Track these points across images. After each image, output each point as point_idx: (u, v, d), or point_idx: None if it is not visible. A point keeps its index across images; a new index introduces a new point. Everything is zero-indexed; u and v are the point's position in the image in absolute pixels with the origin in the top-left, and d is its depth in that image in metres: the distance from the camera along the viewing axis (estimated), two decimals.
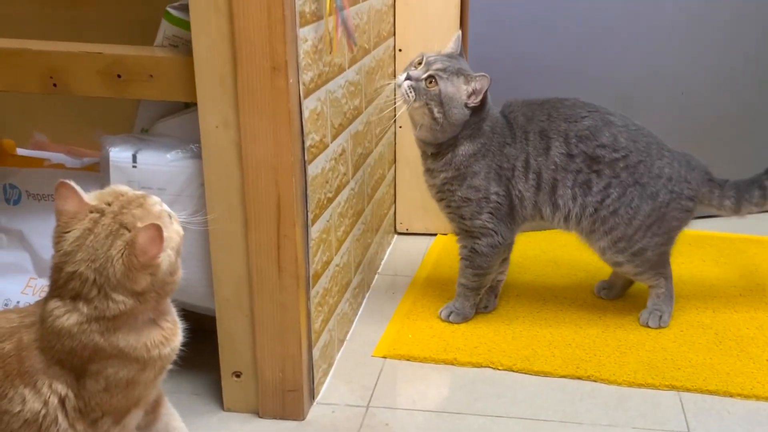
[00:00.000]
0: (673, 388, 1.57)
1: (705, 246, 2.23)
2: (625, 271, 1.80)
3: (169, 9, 1.36)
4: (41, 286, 1.50)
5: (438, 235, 2.29)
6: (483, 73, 1.62)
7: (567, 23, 2.14)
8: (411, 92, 1.60)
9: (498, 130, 1.70)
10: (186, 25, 1.29)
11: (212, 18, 1.23)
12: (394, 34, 2.08)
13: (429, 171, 1.73)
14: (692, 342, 1.72)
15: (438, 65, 1.61)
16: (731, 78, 2.32)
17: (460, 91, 1.62)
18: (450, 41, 1.71)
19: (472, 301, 1.79)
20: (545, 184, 1.70)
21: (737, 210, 1.79)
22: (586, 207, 1.69)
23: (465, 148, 1.67)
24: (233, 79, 1.26)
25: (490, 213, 1.70)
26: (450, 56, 1.67)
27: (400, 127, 2.17)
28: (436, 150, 1.69)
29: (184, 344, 1.13)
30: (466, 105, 1.63)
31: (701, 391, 1.56)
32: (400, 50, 2.10)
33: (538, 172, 1.69)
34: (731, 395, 1.55)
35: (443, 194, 1.72)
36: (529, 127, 1.71)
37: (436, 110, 1.61)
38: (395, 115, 1.68)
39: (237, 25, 1.23)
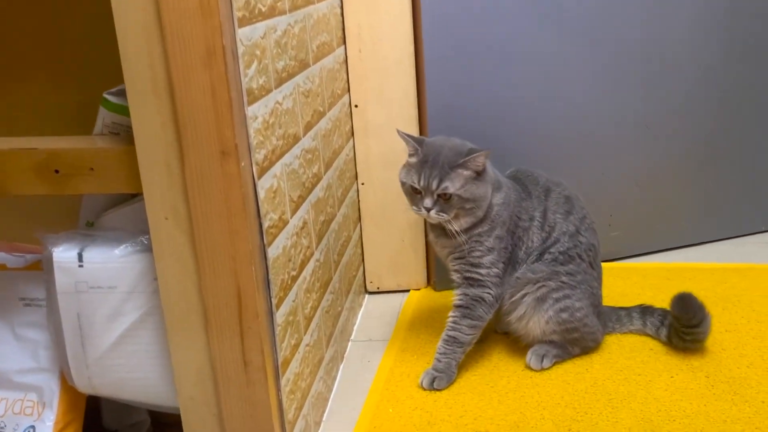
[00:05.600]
0: None
1: (684, 279, 2.17)
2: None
3: (106, 95, 1.27)
4: None
5: (411, 291, 2.21)
6: (476, 154, 1.61)
7: (525, 65, 2.08)
8: (442, 215, 1.63)
9: (510, 185, 1.76)
10: (126, 111, 1.20)
11: (152, 103, 1.14)
12: (349, 90, 2.01)
13: (450, 234, 1.68)
14: (684, 389, 1.65)
15: (434, 183, 1.61)
16: (695, 106, 2.29)
17: (466, 177, 1.62)
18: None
19: (458, 359, 1.73)
20: (550, 241, 1.74)
21: None
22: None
23: (495, 199, 1.70)
24: (180, 167, 1.17)
25: (504, 264, 1.73)
26: (425, 161, 1.63)
27: (363, 183, 2.09)
28: None
29: None
30: (478, 173, 1.63)
31: None
32: (356, 106, 2.03)
33: (552, 226, 1.75)
34: None
35: (468, 246, 1.69)
36: (554, 188, 1.79)
37: (467, 205, 1.64)
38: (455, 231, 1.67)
39: (180, 111, 1.13)
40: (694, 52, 2.23)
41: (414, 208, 1.66)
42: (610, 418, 1.57)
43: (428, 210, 1.63)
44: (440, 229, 1.71)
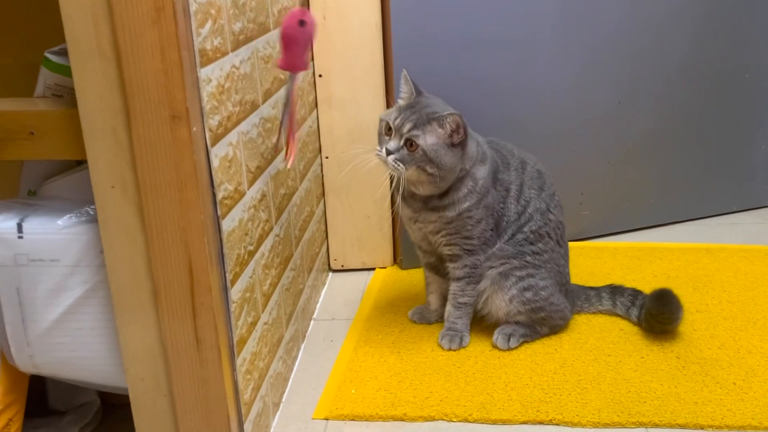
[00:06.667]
0: (640, 425, 1.45)
1: (654, 259, 2.13)
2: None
3: (47, 54, 1.18)
4: None
5: (376, 270, 2.14)
6: (451, 112, 1.56)
7: (495, 36, 2.01)
8: (399, 164, 1.56)
9: (491, 154, 1.72)
10: (69, 72, 1.12)
11: (96, 64, 1.06)
12: (312, 59, 1.93)
13: (434, 209, 1.65)
14: (655, 369, 1.61)
15: (408, 126, 1.56)
16: (667, 85, 2.24)
17: (440, 137, 1.56)
18: (401, 83, 1.64)
19: (470, 316, 1.78)
20: (525, 218, 1.72)
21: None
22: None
23: (482, 172, 1.66)
24: (127, 132, 1.09)
25: (492, 230, 1.71)
26: (411, 106, 1.59)
27: (327, 157, 2.02)
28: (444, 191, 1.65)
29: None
30: (452, 144, 1.57)
31: (670, 426, 1.45)
32: (320, 76, 1.95)
33: (528, 201, 1.72)
34: (702, 428, 1.44)
35: (458, 223, 1.66)
36: (528, 161, 1.76)
37: (429, 168, 1.57)
38: (400, 186, 1.60)
39: (126, 71, 1.06)
40: (667, 30, 2.18)
41: (377, 149, 1.60)
42: (579, 399, 1.53)
43: (389, 153, 1.57)
44: (421, 202, 1.65)
